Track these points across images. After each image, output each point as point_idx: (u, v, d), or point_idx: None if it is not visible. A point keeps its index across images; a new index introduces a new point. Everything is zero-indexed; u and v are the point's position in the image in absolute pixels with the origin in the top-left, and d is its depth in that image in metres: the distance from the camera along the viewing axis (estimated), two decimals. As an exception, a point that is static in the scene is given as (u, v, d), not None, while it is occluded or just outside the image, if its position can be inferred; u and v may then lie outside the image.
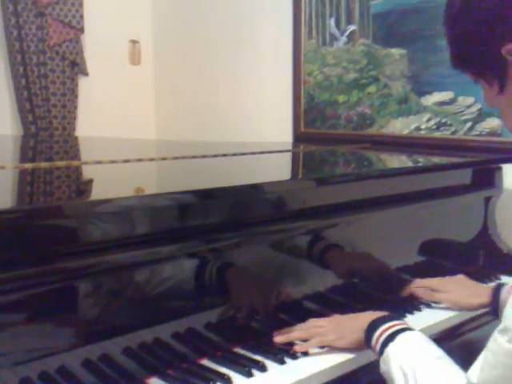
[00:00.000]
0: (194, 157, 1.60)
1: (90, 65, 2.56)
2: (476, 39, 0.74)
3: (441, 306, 1.22)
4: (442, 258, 1.44)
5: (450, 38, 0.78)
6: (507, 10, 0.70)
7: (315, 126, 2.18)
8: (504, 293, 1.12)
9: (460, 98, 1.75)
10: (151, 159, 1.55)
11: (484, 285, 1.28)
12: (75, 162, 1.44)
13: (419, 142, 1.85)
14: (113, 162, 1.40)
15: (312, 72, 2.17)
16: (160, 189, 1.18)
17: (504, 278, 1.44)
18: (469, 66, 0.78)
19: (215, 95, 2.59)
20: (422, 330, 1.01)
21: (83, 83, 2.56)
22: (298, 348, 0.99)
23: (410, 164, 1.69)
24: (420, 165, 1.62)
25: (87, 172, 1.36)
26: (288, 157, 1.85)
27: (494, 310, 1.13)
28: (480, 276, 1.42)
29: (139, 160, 1.45)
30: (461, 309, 1.20)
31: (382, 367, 0.89)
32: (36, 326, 0.79)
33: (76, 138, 2.41)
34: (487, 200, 1.52)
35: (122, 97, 2.70)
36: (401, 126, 1.91)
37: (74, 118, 2.52)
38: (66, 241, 0.82)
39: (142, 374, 0.87)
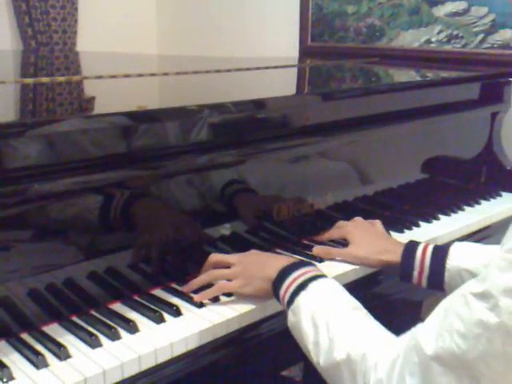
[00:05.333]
0: (196, 72, 1.56)
1: (90, -24, 2.45)
2: None
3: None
4: (444, 175, 1.45)
5: None
6: None
7: (323, 40, 2.11)
8: (419, 253, 0.96)
9: (473, 8, 1.67)
10: (152, 74, 1.52)
11: (395, 238, 1.09)
12: (76, 77, 1.42)
13: (429, 56, 1.79)
14: (113, 76, 1.38)
15: (320, -20, 2.06)
16: (162, 104, 1.18)
17: (505, 195, 1.45)
18: None
19: (218, 7, 2.50)
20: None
21: (83, -5, 2.46)
22: (196, 297, 0.87)
23: (417, 78, 1.65)
24: (427, 79, 1.58)
25: (88, 87, 1.34)
26: (294, 72, 1.80)
27: (404, 271, 0.97)
28: (481, 192, 1.43)
29: (140, 75, 1.43)
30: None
31: (291, 319, 0.78)
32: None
33: (77, 54, 2.36)
34: (494, 115, 1.49)
35: (123, 9, 2.61)
36: (411, 39, 1.84)
37: (75, 33, 2.45)
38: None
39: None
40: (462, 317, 0.57)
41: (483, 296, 0.56)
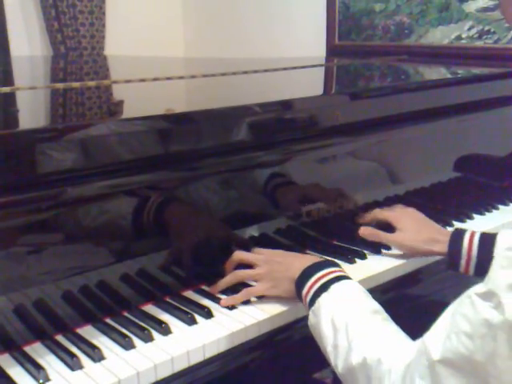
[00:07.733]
0: (223, 74, 1.57)
1: (117, -20, 2.49)
2: None
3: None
4: (477, 173, 1.41)
5: None
6: None
7: (350, 38, 2.09)
8: (466, 241, 0.95)
9: (505, 3, 1.63)
10: (180, 77, 1.53)
11: (443, 228, 1.07)
12: (105, 81, 1.43)
13: (459, 53, 1.76)
14: (142, 80, 1.39)
15: (347, -21, 2.05)
16: (193, 107, 1.18)
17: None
18: None
19: (245, 8, 2.50)
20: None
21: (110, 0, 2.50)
22: (223, 302, 0.86)
23: (448, 76, 1.62)
24: (458, 76, 1.55)
25: (117, 91, 1.36)
26: (322, 72, 1.79)
27: (451, 260, 0.97)
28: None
29: (168, 78, 1.44)
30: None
31: (311, 320, 0.77)
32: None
33: (105, 58, 2.39)
34: (529, 112, 1.46)
35: (149, 13, 2.63)
36: (440, 36, 1.81)
37: (103, 37, 2.48)
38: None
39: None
40: (468, 318, 0.57)
41: (487, 295, 0.56)
